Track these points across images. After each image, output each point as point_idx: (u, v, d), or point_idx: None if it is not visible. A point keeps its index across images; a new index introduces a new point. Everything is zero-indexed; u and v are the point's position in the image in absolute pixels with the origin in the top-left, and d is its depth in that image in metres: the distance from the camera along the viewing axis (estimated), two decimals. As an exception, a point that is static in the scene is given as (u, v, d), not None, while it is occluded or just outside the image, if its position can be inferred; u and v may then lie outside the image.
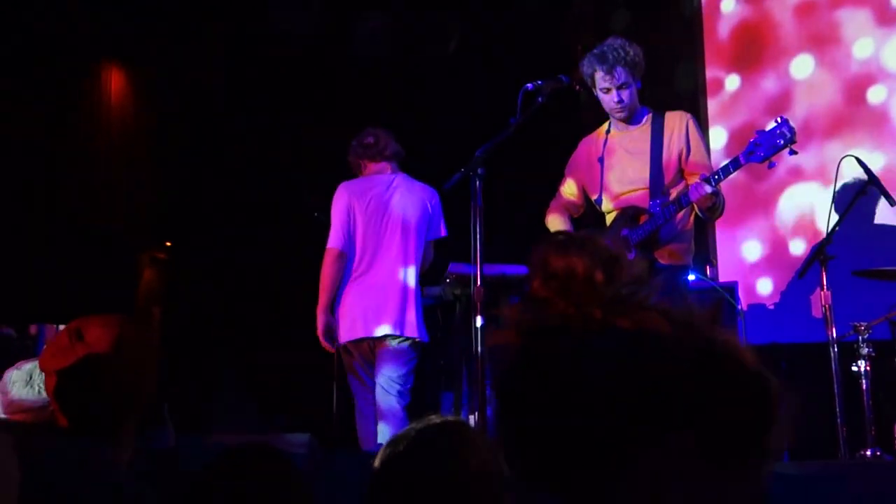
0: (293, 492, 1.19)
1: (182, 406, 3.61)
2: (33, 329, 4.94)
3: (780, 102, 4.90)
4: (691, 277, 3.84)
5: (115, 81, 6.02)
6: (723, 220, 4.01)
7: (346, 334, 3.65)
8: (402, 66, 5.81)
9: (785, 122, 3.05)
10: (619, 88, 3.27)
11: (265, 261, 5.81)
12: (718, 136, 5.07)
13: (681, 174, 3.32)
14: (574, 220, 3.59)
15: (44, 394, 1.98)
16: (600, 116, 3.49)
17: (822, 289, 3.50)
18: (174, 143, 5.95)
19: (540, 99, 3.00)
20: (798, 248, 4.77)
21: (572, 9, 5.55)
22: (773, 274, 4.82)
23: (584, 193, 3.52)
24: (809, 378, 3.70)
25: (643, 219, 3.24)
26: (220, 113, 5.93)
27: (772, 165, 3.11)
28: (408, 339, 3.66)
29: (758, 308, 4.76)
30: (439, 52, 5.66)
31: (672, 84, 5.01)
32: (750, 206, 4.89)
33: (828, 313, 3.48)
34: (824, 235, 3.57)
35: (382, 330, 3.62)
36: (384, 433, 3.56)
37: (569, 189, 3.55)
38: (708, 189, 3.05)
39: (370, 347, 3.68)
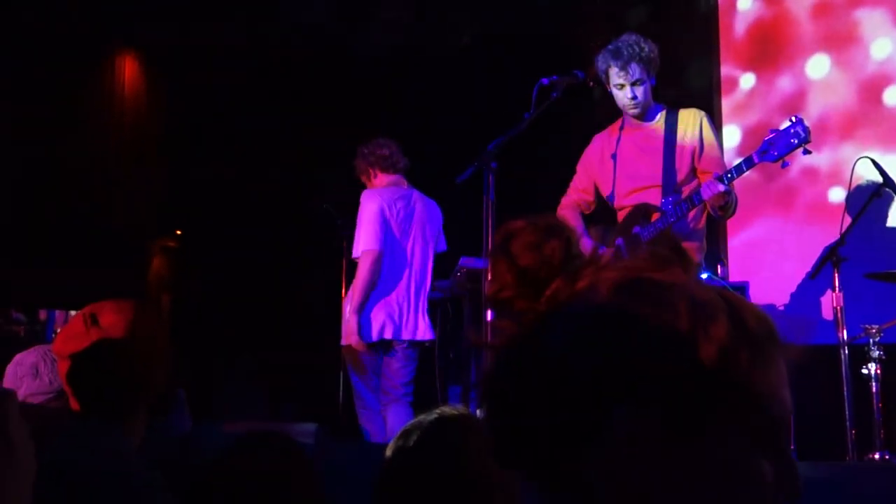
0: (305, 479, 1.20)
1: (189, 394, 3.63)
2: (42, 314, 4.98)
3: (795, 102, 4.86)
4: (703, 276, 3.83)
5: (129, 70, 6.03)
6: (734, 218, 3.99)
7: (376, 334, 3.77)
8: (409, 63, 5.80)
9: (800, 121, 3.03)
10: (633, 85, 3.25)
11: (275, 251, 5.83)
12: (732, 135, 5.05)
13: (693, 172, 3.31)
14: (585, 217, 3.58)
15: (54, 383, 1.99)
16: (614, 112, 3.47)
17: (833, 290, 3.49)
18: (186, 132, 5.96)
19: (554, 94, 2.99)
20: (810, 248, 4.75)
21: (587, 5, 5.53)
22: (784, 274, 4.80)
23: (595, 190, 3.51)
24: (819, 380, 3.68)
25: (655, 216, 3.23)
26: (232, 103, 5.93)
27: (785, 165, 3.09)
28: (422, 342, 3.86)
29: (768, 309, 4.69)
30: (449, 50, 5.64)
31: (686, 81, 4.99)
32: (762, 206, 4.86)
33: (839, 315, 3.46)
34: (837, 237, 3.55)
35: (408, 333, 3.81)
36: (394, 426, 3.64)
37: (581, 185, 3.54)
38: (721, 188, 3.04)
39: (390, 348, 3.82)
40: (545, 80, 3.00)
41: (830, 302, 3.53)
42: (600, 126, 3.58)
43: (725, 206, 3.15)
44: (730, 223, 4.71)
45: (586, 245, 3.29)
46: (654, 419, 0.59)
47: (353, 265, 3.92)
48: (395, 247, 3.84)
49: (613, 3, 5.34)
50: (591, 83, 3.32)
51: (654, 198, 3.26)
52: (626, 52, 3.22)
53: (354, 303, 3.74)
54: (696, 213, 3.26)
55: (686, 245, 3.24)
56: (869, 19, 4.77)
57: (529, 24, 5.45)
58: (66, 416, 1.56)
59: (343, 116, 5.45)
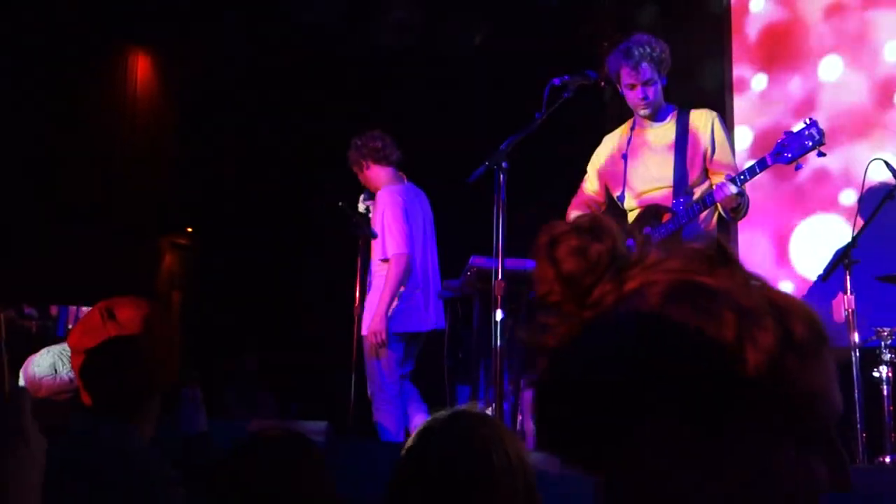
0: (318, 476, 1.20)
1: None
2: (54, 310, 5.00)
3: (807, 103, 4.84)
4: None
5: (141, 68, 6.06)
6: (745, 220, 3.97)
7: (409, 326, 3.89)
8: (417, 63, 5.80)
9: (814, 123, 3.01)
10: (644, 85, 3.24)
11: (287, 249, 5.84)
12: (744, 136, 5.03)
13: (705, 173, 3.29)
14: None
15: (75, 381, 2.00)
16: (625, 112, 3.46)
17: (845, 293, 3.47)
18: (197, 129, 5.98)
19: (566, 94, 2.98)
20: (822, 251, 4.73)
21: (598, 5, 5.52)
22: (795, 277, 4.78)
23: (606, 190, 3.50)
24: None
25: (666, 217, 3.21)
26: (243, 100, 5.95)
27: (798, 167, 3.08)
28: (442, 330, 4.01)
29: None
30: (456, 49, 5.64)
31: (698, 82, 4.97)
32: (773, 207, 4.84)
33: (850, 318, 3.44)
34: (849, 239, 3.53)
35: (430, 323, 3.96)
36: (416, 415, 3.83)
37: (591, 185, 3.53)
38: (733, 189, 3.03)
39: (418, 339, 3.98)
40: (557, 81, 2.99)
41: (842, 304, 3.51)
42: (611, 126, 3.57)
43: (737, 208, 3.13)
44: (740, 225, 4.69)
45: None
46: (696, 426, 0.60)
47: (367, 263, 3.96)
48: (415, 242, 3.96)
49: (625, 4, 5.33)
50: (603, 83, 3.31)
51: (666, 199, 3.25)
52: (637, 52, 3.21)
53: (385, 301, 3.82)
54: (708, 215, 3.25)
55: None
56: (882, 21, 4.75)
57: (539, 24, 5.44)
58: (77, 410, 1.56)
59: (355, 116, 5.45)
